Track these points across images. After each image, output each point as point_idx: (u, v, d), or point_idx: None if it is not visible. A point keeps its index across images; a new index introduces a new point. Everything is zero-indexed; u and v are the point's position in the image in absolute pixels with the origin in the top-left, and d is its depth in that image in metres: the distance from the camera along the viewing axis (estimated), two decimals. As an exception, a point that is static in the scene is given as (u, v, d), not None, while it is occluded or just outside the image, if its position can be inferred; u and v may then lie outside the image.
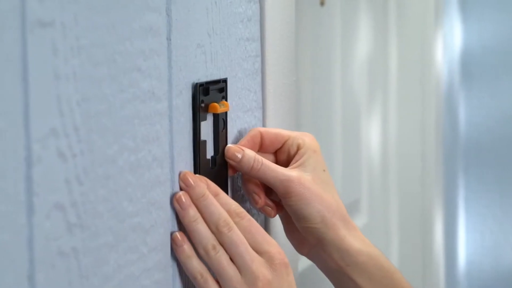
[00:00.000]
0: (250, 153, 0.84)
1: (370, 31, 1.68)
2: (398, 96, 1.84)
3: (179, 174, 0.76)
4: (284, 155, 0.88)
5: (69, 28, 0.60)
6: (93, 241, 0.64)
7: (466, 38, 2.20)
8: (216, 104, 0.81)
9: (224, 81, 0.83)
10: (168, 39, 0.74)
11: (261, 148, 0.88)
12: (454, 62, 2.16)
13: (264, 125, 0.94)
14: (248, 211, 0.90)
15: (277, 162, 0.88)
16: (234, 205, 0.78)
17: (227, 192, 0.85)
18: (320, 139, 1.43)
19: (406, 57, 1.84)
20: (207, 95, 0.80)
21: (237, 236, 0.76)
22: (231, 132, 0.87)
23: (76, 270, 0.62)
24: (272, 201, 0.87)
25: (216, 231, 0.76)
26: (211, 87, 0.80)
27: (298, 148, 0.87)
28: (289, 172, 0.84)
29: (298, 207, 0.84)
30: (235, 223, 0.77)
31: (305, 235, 0.86)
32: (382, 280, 0.85)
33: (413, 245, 1.90)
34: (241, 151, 0.83)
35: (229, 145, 0.84)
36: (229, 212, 0.77)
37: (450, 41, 2.10)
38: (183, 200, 0.75)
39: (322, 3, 1.41)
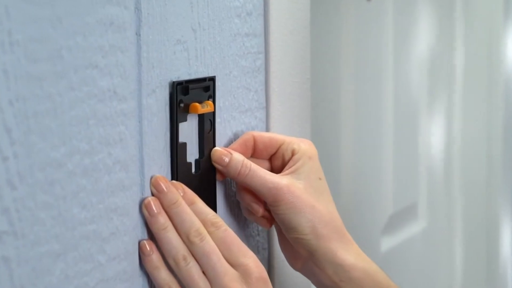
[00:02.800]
0: (238, 157, 0.78)
1: (433, 27, 1.60)
2: (463, 96, 1.74)
3: (151, 179, 0.72)
4: (278, 161, 0.82)
5: (-2, 22, 0.56)
6: (31, 250, 0.60)
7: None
8: (197, 104, 0.76)
9: (211, 79, 0.78)
10: (138, 34, 0.70)
11: (255, 153, 0.82)
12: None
13: (268, 126, 0.88)
14: (239, 219, 0.85)
15: (271, 168, 0.82)
16: (211, 214, 0.73)
17: (214, 198, 0.80)
18: (367, 140, 1.37)
19: (473, 55, 1.74)
20: (187, 94, 0.75)
21: (209, 246, 0.71)
22: (224, 134, 0.82)
23: (8, 280, 0.58)
24: (268, 211, 0.82)
25: (187, 241, 0.71)
26: (192, 86, 0.75)
27: (293, 154, 0.81)
28: (279, 180, 0.78)
29: (286, 216, 0.78)
30: (210, 233, 0.72)
31: (296, 247, 0.80)
32: None
33: (478, 252, 1.81)
34: (229, 155, 0.78)
35: (216, 147, 0.79)
36: (204, 221, 0.72)
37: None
38: (152, 206, 0.71)
39: (368, -2, 1.33)
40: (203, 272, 0.71)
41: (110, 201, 0.67)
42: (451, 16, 1.70)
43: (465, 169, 1.76)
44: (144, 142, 0.71)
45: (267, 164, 0.83)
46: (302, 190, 0.78)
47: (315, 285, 0.82)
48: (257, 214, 0.81)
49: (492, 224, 1.81)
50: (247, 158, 0.80)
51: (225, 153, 0.78)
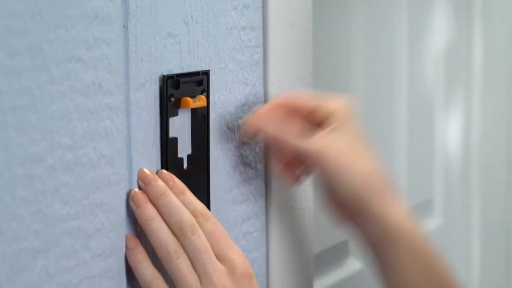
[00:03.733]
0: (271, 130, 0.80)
1: (450, 21, 1.57)
2: (482, 91, 1.71)
3: (138, 173, 0.71)
4: (317, 119, 0.81)
5: (-27, 14, 0.55)
6: (9, 247, 0.59)
7: None
8: (188, 98, 0.74)
9: (205, 73, 0.77)
10: (125, 27, 0.68)
11: (292, 114, 0.82)
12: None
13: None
14: (234, 216, 0.83)
15: (309, 127, 0.82)
16: (200, 205, 0.72)
17: (208, 194, 0.78)
18: (377, 136, 1.34)
19: (492, 50, 1.71)
20: (178, 88, 0.73)
21: (200, 241, 0.70)
22: (219, 129, 0.80)
23: (-16, 277, 0.57)
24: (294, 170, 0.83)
25: (179, 233, 0.70)
26: (183, 80, 0.74)
27: (333, 112, 0.80)
28: (312, 144, 0.78)
29: (333, 179, 0.78)
30: (199, 223, 0.71)
31: (341, 207, 0.80)
32: (422, 267, 0.78)
33: (496, 251, 1.78)
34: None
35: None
36: (194, 212, 0.71)
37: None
38: (139, 197, 0.69)
39: (380, -10, 1.31)
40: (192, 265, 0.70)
41: (95, 196, 0.66)
42: (469, 10, 1.67)
43: (484, 165, 1.73)
44: (132, 137, 0.70)
45: (304, 122, 0.82)
46: (345, 149, 0.78)
47: (360, 243, 0.82)
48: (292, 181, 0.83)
49: (511, 221, 1.78)
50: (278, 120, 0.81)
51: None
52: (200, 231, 0.70)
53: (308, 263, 0.94)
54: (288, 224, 0.90)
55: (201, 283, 0.69)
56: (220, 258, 0.70)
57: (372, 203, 0.78)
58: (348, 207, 0.79)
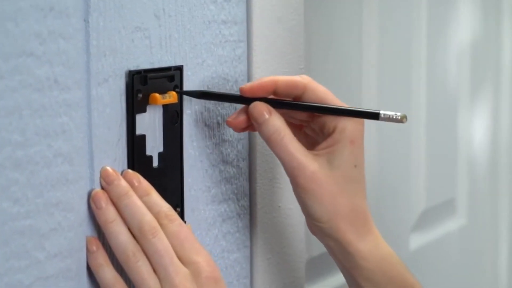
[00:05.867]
0: (276, 122, 0.75)
1: (476, 14, 1.52)
2: (511, 87, 1.66)
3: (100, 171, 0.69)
4: (317, 126, 0.78)
5: None
6: (-49, 246, 0.57)
7: None
8: (157, 94, 0.72)
9: (178, 68, 0.74)
10: (86, 21, 0.66)
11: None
12: None
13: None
14: (211, 216, 0.81)
15: (306, 132, 0.79)
16: (165, 207, 0.69)
17: (182, 193, 0.76)
18: (393, 132, 1.31)
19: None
20: (145, 84, 0.71)
21: (162, 244, 0.67)
22: (196, 126, 0.78)
23: None
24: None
25: (138, 235, 0.67)
26: (152, 75, 0.72)
27: (334, 130, 0.76)
28: (306, 163, 0.75)
29: (303, 200, 0.76)
30: (163, 225, 0.68)
31: (313, 230, 0.79)
32: None
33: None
34: (269, 114, 0.75)
35: (257, 102, 0.75)
36: (158, 214, 0.69)
37: None
38: (99, 198, 0.67)
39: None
40: (153, 268, 0.68)
41: (50, 195, 0.64)
42: (498, 5, 1.62)
43: (513, 164, 1.68)
44: (93, 134, 0.68)
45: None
46: (328, 178, 0.75)
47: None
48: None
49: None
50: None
51: (267, 110, 0.75)
52: (161, 234, 0.68)
53: (299, 265, 0.91)
54: (275, 224, 0.88)
55: (162, 287, 0.67)
56: (184, 261, 0.68)
57: (342, 234, 0.77)
58: (319, 231, 0.78)
